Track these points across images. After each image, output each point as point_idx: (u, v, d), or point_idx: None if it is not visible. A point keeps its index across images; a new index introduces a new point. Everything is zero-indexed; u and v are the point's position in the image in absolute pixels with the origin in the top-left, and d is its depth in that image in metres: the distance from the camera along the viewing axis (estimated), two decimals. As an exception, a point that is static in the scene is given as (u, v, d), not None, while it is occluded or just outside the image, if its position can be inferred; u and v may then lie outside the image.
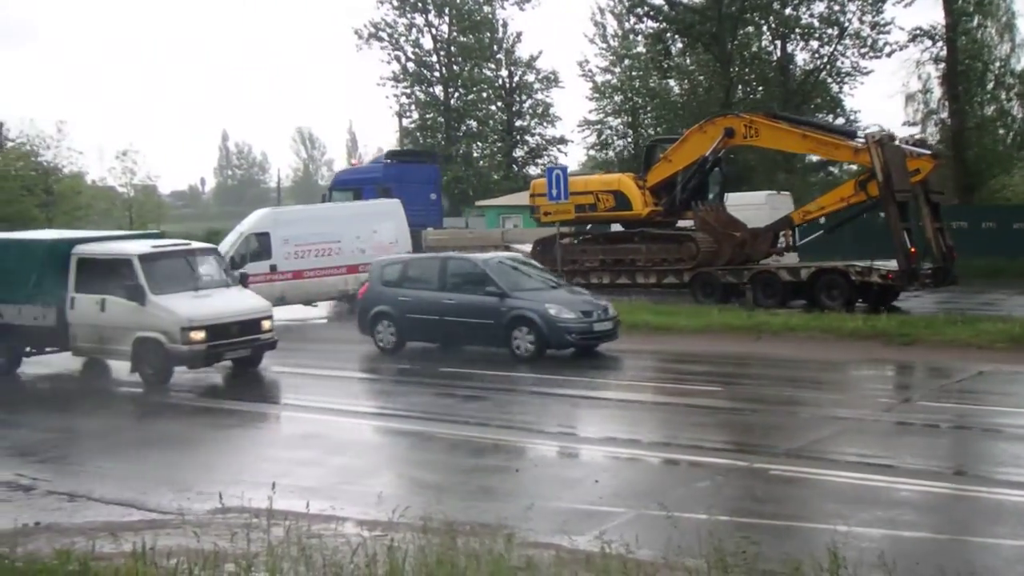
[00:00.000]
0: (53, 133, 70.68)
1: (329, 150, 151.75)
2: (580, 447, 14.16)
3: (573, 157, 74.11)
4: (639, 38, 56.90)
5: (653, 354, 22.34)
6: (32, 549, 9.28)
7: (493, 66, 62.73)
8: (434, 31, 61.38)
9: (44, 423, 17.08)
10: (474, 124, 62.06)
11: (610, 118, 60.74)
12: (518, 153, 62.66)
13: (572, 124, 62.94)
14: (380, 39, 60.84)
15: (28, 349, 21.85)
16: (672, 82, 57.05)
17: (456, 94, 61.92)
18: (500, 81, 63.14)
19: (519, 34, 62.58)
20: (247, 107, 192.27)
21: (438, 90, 61.99)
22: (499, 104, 63.29)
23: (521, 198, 45.56)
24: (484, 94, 62.63)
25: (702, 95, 52.73)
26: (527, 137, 63.07)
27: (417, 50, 61.58)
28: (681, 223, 31.12)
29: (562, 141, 62.90)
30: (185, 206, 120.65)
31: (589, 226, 33.85)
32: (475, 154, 62.30)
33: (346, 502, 11.00)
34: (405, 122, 62.85)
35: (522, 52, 62.94)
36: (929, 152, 28.18)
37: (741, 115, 29.89)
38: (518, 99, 63.10)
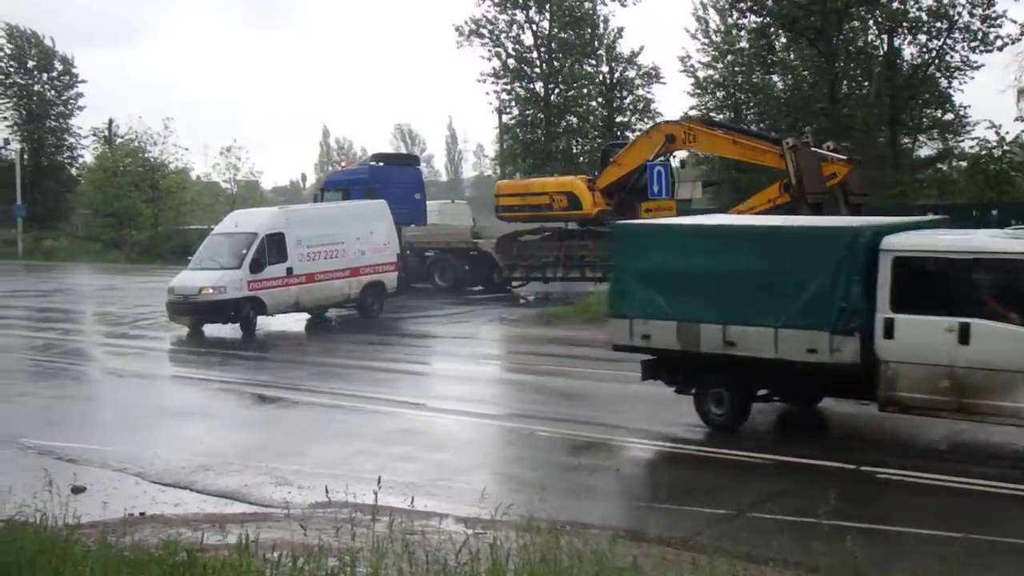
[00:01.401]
0: (160, 130, 72.41)
1: (429, 146, 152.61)
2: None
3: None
4: (742, 33, 56.09)
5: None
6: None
7: (594, 62, 62.29)
8: (535, 27, 61.21)
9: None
10: (574, 120, 61.74)
11: (712, 114, 60.05)
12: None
13: (673, 120, 62.12)
14: (481, 36, 60.84)
15: (759, 392, 14.69)
16: (776, 77, 56.17)
17: (556, 90, 61.66)
18: (600, 77, 62.70)
19: (620, 29, 61.85)
20: (348, 104, 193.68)
21: (538, 86, 61.80)
22: (599, 100, 62.86)
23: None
24: (584, 90, 62.28)
25: (806, 91, 51.86)
26: (628, 133, 62.53)
27: (518, 46, 61.47)
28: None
29: (664, 138, 62.41)
30: (287, 201, 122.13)
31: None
32: (575, 150, 62.07)
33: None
34: (505, 118, 62.88)
35: (623, 48, 62.40)
36: (845, 157, 29.89)
37: (681, 122, 31.98)
38: (619, 95, 62.60)
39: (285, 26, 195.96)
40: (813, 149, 29.58)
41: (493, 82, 61.55)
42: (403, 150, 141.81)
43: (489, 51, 61.34)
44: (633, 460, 13.55)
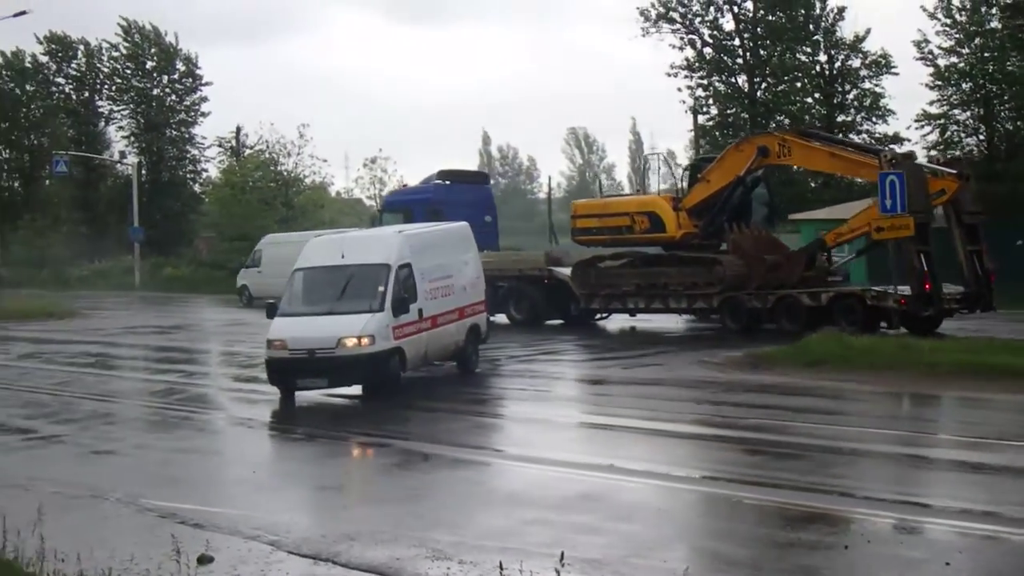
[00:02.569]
0: (294, 139, 74.36)
1: (609, 153, 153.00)
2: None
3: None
4: (994, 11, 54.93)
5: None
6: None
7: (809, 49, 61.88)
8: (736, 9, 61.15)
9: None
10: (786, 120, 61.29)
11: (956, 111, 58.72)
12: (840, 155, 61.46)
13: (908, 119, 61.17)
14: (671, 20, 61.03)
15: None
16: (1038, 64, 54.79)
17: (763, 84, 61.37)
18: (817, 67, 62.17)
19: (841, 10, 61.32)
20: (512, 107, 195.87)
21: (741, 80, 61.65)
22: (817, 95, 62.34)
23: (848, 210, 45.54)
24: (798, 83, 61.85)
25: (1078, 79, 50.42)
26: (851, 135, 61.85)
27: (716, 32, 61.43)
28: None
29: (896, 139, 61.25)
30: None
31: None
32: (787, 157, 61.67)
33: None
34: (701, 119, 62.75)
35: (845, 31, 61.81)
36: (955, 172, 31.71)
37: (775, 133, 34.67)
38: (840, 89, 61.94)
39: (437, 23, 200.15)
40: (917, 163, 31.87)
41: (686, 76, 61.72)
42: (578, 158, 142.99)
43: (681, 39, 61.58)
44: (864, 535, 13.23)
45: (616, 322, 38.80)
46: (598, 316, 38.85)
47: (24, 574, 10.52)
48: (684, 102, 63.06)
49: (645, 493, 15.40)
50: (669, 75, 62.07)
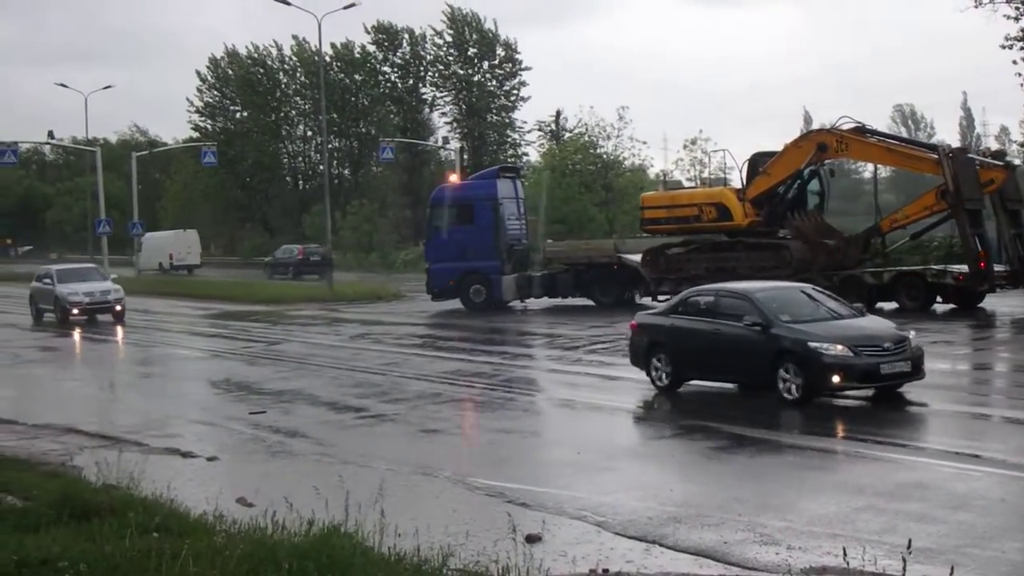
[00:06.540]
0: (614, 121, 74.75)
1: (938, 130, 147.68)
2: None
3: None
4: None
5: None
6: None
7: None
8: (1077, -26, 58.19)
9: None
10: None
11: None
12: None
13: None
14: (1005, -9, 58.55)
15: None
16: None
17: (1106, 54, 58.26)
18: None
19: None
20: (833, 83, 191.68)
21: (1083, 49, 58.65)
22: None
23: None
24: None
25: None
26: None
27: (1053, 1, 58.68)
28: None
29: None
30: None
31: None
32: None
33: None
34: (1036, 93, 60.07)
35: None
36: (1002, 164, 35.29)
37: (833, 131, 37.57)
38: None
39: (731, 4, 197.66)
40: (970, 155, 35.80)
41: (1022, 47, 58.98)
42: (904, 135, 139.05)
43: (1016, 8, 58.85)
44: None
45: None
46: (661, 299, 40.35)
47: (363, 548, 10.94)
48: (1020, 75, 60.36)
49: (984, 483, 14.90)
50: (1003, 47, 59.52)
